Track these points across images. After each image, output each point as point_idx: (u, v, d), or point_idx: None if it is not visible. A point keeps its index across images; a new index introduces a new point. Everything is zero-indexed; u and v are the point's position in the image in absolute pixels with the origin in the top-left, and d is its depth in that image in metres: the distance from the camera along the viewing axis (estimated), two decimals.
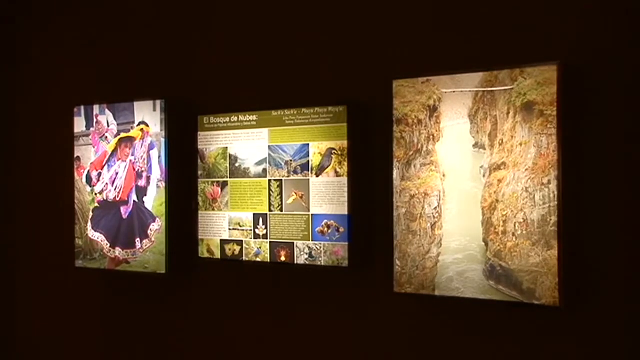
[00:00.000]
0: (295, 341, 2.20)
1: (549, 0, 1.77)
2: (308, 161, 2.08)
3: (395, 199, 1.91)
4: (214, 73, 2.37)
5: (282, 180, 2.14)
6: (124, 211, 2.44)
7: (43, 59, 2.80)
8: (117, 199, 2.45)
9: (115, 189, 2.46)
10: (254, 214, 2.19)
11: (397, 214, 1.91)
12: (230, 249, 2.24)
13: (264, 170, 2.17)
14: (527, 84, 1.70)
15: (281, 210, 2.13)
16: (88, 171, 2.53)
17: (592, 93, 1.71)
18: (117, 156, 2.46)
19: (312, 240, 2.07)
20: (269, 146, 2.16)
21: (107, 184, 2.48)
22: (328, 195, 2.04)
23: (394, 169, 1.91)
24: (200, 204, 2.30)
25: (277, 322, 2.24)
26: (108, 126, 2.48)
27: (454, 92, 1.83)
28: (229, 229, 2.24)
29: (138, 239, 2.40)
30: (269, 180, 2.16)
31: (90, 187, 2.53)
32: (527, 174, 1.71)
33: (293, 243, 2.11)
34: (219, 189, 2.27)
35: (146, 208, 2.38)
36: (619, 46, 1.68)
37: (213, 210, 2.28)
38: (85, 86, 2.66)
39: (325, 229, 2.05)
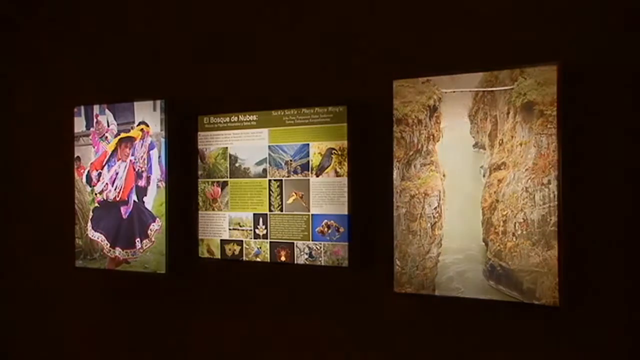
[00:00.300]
0: (295, 341, 2.20)
1: (549, 1, 1.77)
2: (308, 161, 2.08)
3: (395, 199, 1.91)
4: (214, 73, 2.37)
5: (282, 180, 2.14)
6: (124, 211, 2.44)
7: (43, 59, 2.80)
8: (117, 199, 2.45)
9: (115, 189, 2.46)
10: (254, 214, 2.19)
11: (397, 214, 1.91)
12: (230, 249, 2.24)
13: (264, 170, 2.17)
14: (527, 84, 1.70)
15: (281, 210, 2.13)
16: (88, 171, 2.53)
17: (592, 93, 1.71)
18: (117, 156, 2.46)
19: (312, 240, 2.07)
20: (269, 146, 2.16)
21: (107, 184, 2.48)
22: (328, 195, 2.04)
23: (394, 169, 1.91)
24: (200, 204, 2.30)
25: (277, 322, 2.24)
26: (108, 126, 2.49)
27: (454, 92, 1.83)
28: (229, 229, 2.24)
29: (138, 239, 2.40)
30: (269, 180, 2.16)
31: (90, 187, 2.53)
32: (527, 174, 1.71)
33: (293, 243, 2.11)
34: (219, 189, 2.27)
35: (146, 208, 2.38)
36: (619, 46, 1.68)
37: (213, 210, 2.28)
38: (85, 86, 2.66)
39: (325, 229, 2.05)
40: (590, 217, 1.71)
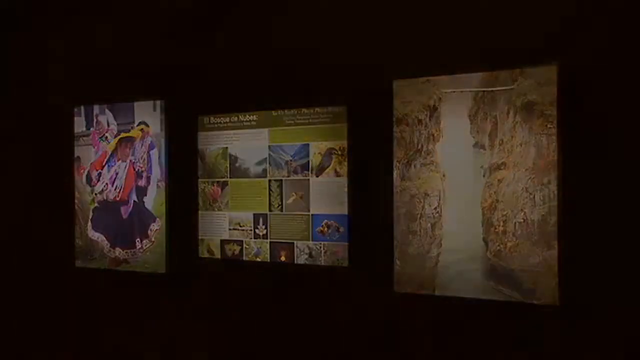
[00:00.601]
0: (295, 341, 2.20)
1: (549, 1, 1.77)
2: (308, 161, 2.08)
3: (395, 199, 1.91)
4: (214, 73, 2.37)
5: (282, 180, 2.14)
6: (124, 211, 2.44)
7: (43, 59, 2.80)
8: (117, 199, 2.45)
9: (115, 189, 2.46)
10: (254, 214, 2.19)
11: (397, 214, 1.91)
12: (230, 249, 2.24)
13: (264, 170, 2.17)
14: (527, 84, 1.70)
15: (281, 210, 2.14)
16: (88, 171, 2.53)
17: (592, 93, 1.71)
18: (117, 156, 2.46)
19: (312, 240, 2.07)
20: (269, 146, 2.16)
21: (107, 183, 2.48)
22: (328, 195, 2.04)
23: (394, 169, 1.91)
24: (200, 204, 2.30)
25: (277, 322, 2.24)
26: (108, 126, 2.49)
27: (454, 92, 1.83)
28: (229, 229, 2.24)
29: (138, 239, 2.41)
30: (269, 180, 2.16)
31: (90, 187, 2.53)
32: (527, 174, 1.71)
33: (293, 243, 2.11)
34: (219, 189, 2.27)
35: (146, 208, 2.38)
36: (618, 46, 1.68)
37: (213, 210, 2.28)
38: (85, 86, 2.66)
39: (325, 229, 2.05)
40: (590, 217, 1.71)
